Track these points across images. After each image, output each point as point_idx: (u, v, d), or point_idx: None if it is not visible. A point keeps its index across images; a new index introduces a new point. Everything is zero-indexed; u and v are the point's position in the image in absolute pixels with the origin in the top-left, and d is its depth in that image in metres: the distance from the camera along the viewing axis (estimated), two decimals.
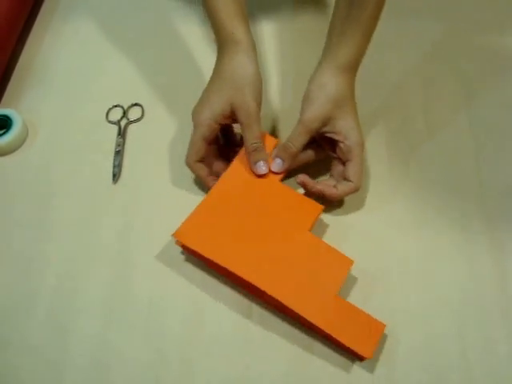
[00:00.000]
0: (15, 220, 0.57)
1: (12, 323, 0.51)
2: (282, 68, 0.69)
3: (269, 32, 0.72)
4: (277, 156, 0.55)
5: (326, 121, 0.54)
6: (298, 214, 0.53)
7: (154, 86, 0.68)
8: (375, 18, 0.54)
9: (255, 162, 0.54)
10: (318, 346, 0.49)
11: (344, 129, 0.53)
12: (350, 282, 0.52)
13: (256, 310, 0.51)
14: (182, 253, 0.54)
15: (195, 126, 0.54)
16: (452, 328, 0.49)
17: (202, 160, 0.55)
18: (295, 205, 0.54)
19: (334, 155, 0.56)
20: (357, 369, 0.48)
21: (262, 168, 0.54)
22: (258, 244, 0.51)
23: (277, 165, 0.55)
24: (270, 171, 0.55)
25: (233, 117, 0.54)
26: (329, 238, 0.54)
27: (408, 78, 0.66)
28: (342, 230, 0.55)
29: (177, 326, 0.50)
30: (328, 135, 0.54)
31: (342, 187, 0.54)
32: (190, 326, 0.50)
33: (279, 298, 0.48)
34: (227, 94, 0.53)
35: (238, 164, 0.56)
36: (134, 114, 0.65)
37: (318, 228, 0.55)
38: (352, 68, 0.55)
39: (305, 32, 0.71)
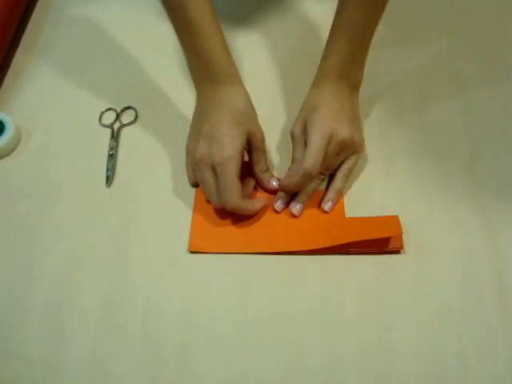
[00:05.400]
0: (8, 225, 0.57)
1: (8, 326, 0.51)
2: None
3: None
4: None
5: (304, 124, 0.55)
6: None
7: (147, 88, 0.67)
8: (366, 20, 0.54)
9: (269, 181, 0.57)
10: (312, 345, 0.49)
11: (313, 120, 0.54)
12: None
13: (250, 313, 0.51)
14: (178, 255, 0.54)
15: (220, 164, 0.52)
16: (450, 329, 0.49)
17: None
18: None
19: None
20: None
21: (273, 184, 0.57)
22: (260, 217, 0.55)
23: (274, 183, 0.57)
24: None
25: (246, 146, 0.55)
26: None
27: (404, 78, 0.66)
28: None
29: (173, 329, 0.50)
30: None
31: (292, 171, 0.54)
32: (186, 329, 0.50)
33: (305, 248, 0.53)
34: (244, 127, 0.54)
35: None
36: (127, 117, 0.65)
37: None
38: (331, 75, 0.56)
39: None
